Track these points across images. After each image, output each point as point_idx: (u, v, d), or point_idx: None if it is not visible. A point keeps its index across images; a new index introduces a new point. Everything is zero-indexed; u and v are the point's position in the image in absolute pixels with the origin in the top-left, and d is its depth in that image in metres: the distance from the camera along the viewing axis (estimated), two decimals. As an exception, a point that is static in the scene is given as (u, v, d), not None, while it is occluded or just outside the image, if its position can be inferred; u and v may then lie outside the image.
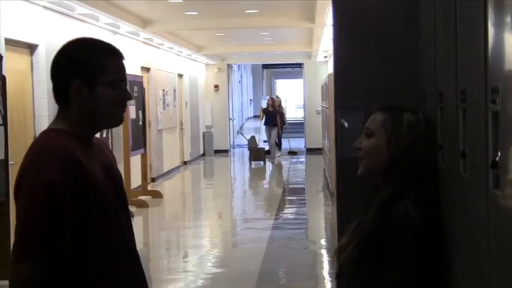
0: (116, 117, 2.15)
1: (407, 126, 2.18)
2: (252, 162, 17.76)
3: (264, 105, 20.78)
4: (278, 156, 19.62)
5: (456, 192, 2.03)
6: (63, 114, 2.13)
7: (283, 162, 18.75)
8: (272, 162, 18.30)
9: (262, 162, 17.83)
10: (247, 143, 18.94)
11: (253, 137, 18.76)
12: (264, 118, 19.36)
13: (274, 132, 19.13)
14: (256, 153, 17.86)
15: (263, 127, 19.57)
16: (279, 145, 20.21)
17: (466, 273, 1.91)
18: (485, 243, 1.65)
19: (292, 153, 20.55)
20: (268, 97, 20.71)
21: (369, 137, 2.22)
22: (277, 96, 21.00)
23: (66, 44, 2.16)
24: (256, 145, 18.42)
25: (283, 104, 20.96)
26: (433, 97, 2.39)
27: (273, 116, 19.16)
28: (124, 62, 2.17)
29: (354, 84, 2.75)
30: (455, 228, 2.03)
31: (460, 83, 1.95)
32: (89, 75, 2.08)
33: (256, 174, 16.92)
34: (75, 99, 2.09)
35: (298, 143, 23.63)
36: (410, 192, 2.13)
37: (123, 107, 2.16)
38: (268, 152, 18.61)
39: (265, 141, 19.69)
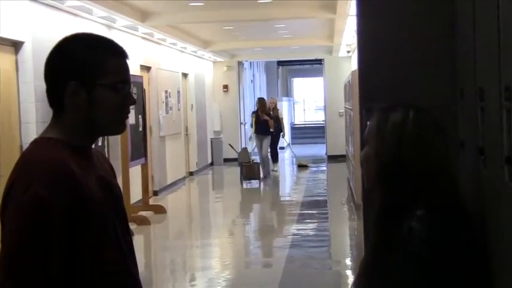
0: (118, 125, 2.14)
1: (392, 126, 2.12)
2: (244, 182, 16.02)
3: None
4: (274, 171, 18.18)
5: (500, 204, 2.00)
6: (58, 121, 2.12)
7: (283, 178, 17.71)
8: (265, 178, 16.69)
9: (257, 182, 16.17)
10: (237, 157, 16.89)
11: (245, 150, 16.83)
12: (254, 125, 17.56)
13: (267, 142, 17.40)
14: (250, 170, 16.05)
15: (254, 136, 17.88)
16: (274, 157, 18.49)
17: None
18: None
19: (302, 166, 19.38)
20: (258, 98, 18.47)
21: (365, 144, 2.20)
22: (272, 98, 19.94)
23: (62, 40, 2.15)
24: (250, 160, 16.32)
25: (278, 106, 19.20)
26: (472, 95, 2.36)
27: (265, 121, 17.34)
28: (128, 61, 2.16)
29: (381, 81, 2.72)
30: (501, 247, 1.99)
31: (504, 78, 1.92)
32: (88, 77, 2.08)
33: (271, 186, 16.88)
34: (71, 103, 2.09)
35: (318, 150, 23.59)
36: (413, 205, 2.04)
37: (126, 113, 2.15)
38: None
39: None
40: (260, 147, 17.31)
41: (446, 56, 2.75)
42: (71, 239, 1.99)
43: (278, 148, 18.93)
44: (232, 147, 18.16)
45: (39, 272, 1.96)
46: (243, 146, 19.71)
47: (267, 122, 17.31)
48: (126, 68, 2.15)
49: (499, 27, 1.94)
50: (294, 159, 19.87)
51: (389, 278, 1.99)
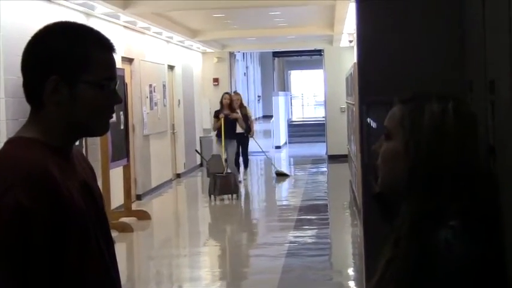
0: (101, 126, 2.13)
1: (430, 119, 2.01)
2: (217, 197, 14.13)
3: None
4: (244, 180, 16.76)
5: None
6: (36, 118, 2.10)
7: (257, 192, 16.25)
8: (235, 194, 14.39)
9: (234, 197, 14.24)
10: (206, 166, 15.34)
11: (216, 157, 15.08)
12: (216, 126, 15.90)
13: (234, 147, 15.94)
14: (223, 183, 14.09)
15: (216, 140, 16.40)
16: (244, 163, 17.01)
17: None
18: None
19: (281, 174, 17.74)
20: (223, 94, 16.63)
21: (387, 139, 2.08)
22: (236, 92, 18.10)
23: (42, 29, 2.12)
24: (223, 169, 14.51)
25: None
26: (482, 88, 2.37)
27: (230, 122, 15.68)
28: (115, 55, 2.15)
29: (382, 73, 2.72)
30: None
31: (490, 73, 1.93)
32: (71, 72, 2.06)
33: (268, 187, 16.90)
34: (51, 100, 2.06)
35: (318, 149, 23.63)
36: (449, 213, 1.96)
37: (111, 113, 2.14)
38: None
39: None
40: (225, 153, 15.52)
41: (454, 46, 2.75)
42: (51, 251, 1.98)
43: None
44: (199, 153, 17.34)
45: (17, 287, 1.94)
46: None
47: (234, 122, 15.86)
48: (113, 64, 2.13)
49: (510, 15, 1.95)
50: (273, 168, 18.34)
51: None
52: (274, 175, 17.82)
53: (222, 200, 14.05)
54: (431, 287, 1.92)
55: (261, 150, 18.17)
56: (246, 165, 17.09)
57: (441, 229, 1.93)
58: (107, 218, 2.23)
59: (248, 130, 16.48)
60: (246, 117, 16.36)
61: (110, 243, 2.20)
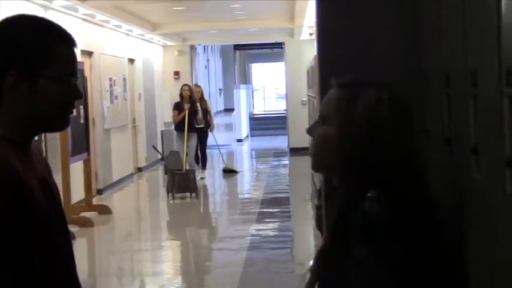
0: (62, 121, 2.12)
1: (364, 108, 2.05)
2: (175, 195, 13.67)
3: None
4: (202, 178, 15.87)
5: (467, 195, 2.06)
6: None
7: (214, 190, 15.56)
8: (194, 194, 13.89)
9: (192, 195, 13.75)
10: (164, 163, 14.93)
11: (174, 153, 14.67)
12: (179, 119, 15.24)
13: (194, 141, 15.37)
14: (182, 180, 13.61)
15: (177, 134, 15.67)
16: (202, 160, 16.36)
17: None
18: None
19: (229, 171, 17.18)
20: (183, 85, 15.93)
21: (323, 123, 2.13)
22: (196, 85, 17.57)
23: (1, 22, 2.10)
24: (182, 166, 14.09)
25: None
26: (438, 80, 2.41)
27: (192, 115, 15.16)
28: (76, 49, 2.15)
29: (342, 63, 2.75)
30: (470, 244, 2.05)
31: (471, 63, 1.98)
32: (31, 66, 2.04)
33: (229, 181, 16.92)
34: (11, 94, 2.04)
35: (280, 142, 23.70)
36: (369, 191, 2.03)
37: (72, 107, 2.13)
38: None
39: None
40: (186, 147, 14.95)
41: (410, 37, 2.80)
42: (15, 247, 1.96)
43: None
44: (156, 149, 16.99)
45: None
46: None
47: (195, 116, 15.36)
48: (74, 58, 2.12)
49: (465, 5, 1.99)
50: (221, 164, 17.79)
51: (348, 267, 2.01)
52: (222, 172, 17.25)
53: (182, 198, 13.75)
54: (349, 256, 2.00)
55: (215, 144, 17.68)
56: (204, 164, 16.36)
57: (361, 201, 2.01)
58: (64, 215, 2.22)
59: (208, 125, 16.10)
60: (205, 112, 15.97)
61: (69, 241, 2.20)
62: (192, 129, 15.15)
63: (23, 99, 2.05)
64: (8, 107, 2.06)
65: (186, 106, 15.08)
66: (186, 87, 15.56)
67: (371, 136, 2.03)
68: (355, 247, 1.99)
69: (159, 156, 18.87)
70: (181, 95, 15.45)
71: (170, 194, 13.71)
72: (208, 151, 17.11)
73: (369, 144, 2.03)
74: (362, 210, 1.99)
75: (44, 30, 2.09)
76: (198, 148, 16.03)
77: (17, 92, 2.04)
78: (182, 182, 13.61)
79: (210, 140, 17.06)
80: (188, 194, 13.73)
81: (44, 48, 2.06)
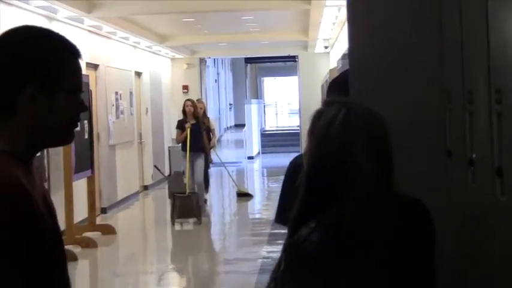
0: (70, 134, 2.14)
1: (321, 126, 2.20)
2: (176, 221, 13.03)
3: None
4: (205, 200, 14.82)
5: (465, 204, 2.05)
6: (2, 126, 2.07)
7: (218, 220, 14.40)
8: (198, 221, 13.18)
9: (196, 221, 13.10)
10: (167, 186, 14.27)
11: (178, 174, 14.23)
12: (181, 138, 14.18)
13: (201, 162, 14.20)
14: (184, 205, 12.93)
15: (182, 154, 14.35)
16: (206, 182, 15.08)
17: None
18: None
19: (243, 194, 16.36)
20: (185, 101, 14.75)
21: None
22: (199, 100, 16.34)
23: (7, 35, 2.10)
24: (184, 189, 13.41)
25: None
26: (460, 97, 2.41)
27: (197, 133, 13.96)
28: (81, 61, 2.17)
29: (366, 83, 2.79)
30: (492, 261, 2.04)
31: (467, 82, 1.98)
32: (50, 80, 2.05)
33: (239, 201, 16.89)
34: (27, 109, 2.05)
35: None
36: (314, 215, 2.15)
37: (78, 120, 2.15)
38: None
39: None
40: (192, 169, 14.00)
41: (433, 56, 2.81)
42: (24, 268, 1.96)
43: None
44: (158, 169, 16.69)
45: None
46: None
47: (201, 135, 14.14)
48: (81, 70, 2.16)
49: (488, 24, 1.99)
50: (233, 187, 17.17)
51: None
52: (236, 195, 16.52)
53: (181, 223, 13.10)
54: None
55: (220, 161, 17.15)
56: (206, 186, 15.17)
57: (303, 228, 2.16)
58: (61, 234, 2.23)
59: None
60: (208, 130, 14.97)
61: (66, 264, 2.20)
62: (197, 148, 14.06)
63: (38, 112, 2.06)
64: (21, 120, 2.06)
65: (188, 124, 14.00)
66: (189, 103, 14.48)
67: (323, 150, 2.17)
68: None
69: (167, 174, 18.89)
70: (183, 111, 14.44)
71: (172, 219, 13.01)
72: (215, 169, 16.98)
73: (321, 158, 2.17)
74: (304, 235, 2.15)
75: (57, 43, 2.11)
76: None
77: (34, 106, 2.05)
78: (183, 207, 12.95)
79: (215, 158, 16.81)
80: (190, 219, 13.13)
81: (59, 61, 2.08)
